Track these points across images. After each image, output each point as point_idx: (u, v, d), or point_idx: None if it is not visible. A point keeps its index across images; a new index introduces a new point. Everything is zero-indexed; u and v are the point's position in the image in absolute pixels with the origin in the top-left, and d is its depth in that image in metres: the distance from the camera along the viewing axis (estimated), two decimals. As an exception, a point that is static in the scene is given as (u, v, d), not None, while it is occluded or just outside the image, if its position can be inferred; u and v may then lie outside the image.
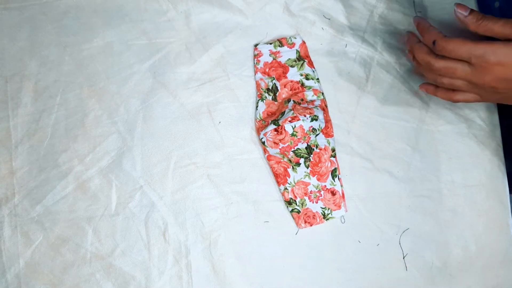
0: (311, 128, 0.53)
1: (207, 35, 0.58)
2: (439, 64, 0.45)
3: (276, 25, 0.58)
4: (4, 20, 0.57)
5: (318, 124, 0.54)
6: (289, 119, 0.52)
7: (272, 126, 0.53)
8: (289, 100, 0.55)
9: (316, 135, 0.54)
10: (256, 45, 0.58)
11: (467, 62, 0.43)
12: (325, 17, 0.59)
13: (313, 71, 0.57)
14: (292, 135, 0.53)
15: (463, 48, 0.42)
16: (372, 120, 0.56)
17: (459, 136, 0.56)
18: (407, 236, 0.54)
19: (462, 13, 0.44)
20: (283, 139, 0.53)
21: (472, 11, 0.43)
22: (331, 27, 0.59)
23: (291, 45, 0.57)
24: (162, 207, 0.53)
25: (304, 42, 0.58)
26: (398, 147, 0.56)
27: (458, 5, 0.44)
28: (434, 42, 0.44)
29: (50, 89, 0.56)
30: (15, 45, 0.56)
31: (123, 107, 0.56)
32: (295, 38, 0.57)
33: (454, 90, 0.47)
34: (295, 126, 0.52)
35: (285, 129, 0.53)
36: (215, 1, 0.58)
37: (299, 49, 0.57)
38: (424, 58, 0.46)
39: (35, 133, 0.54)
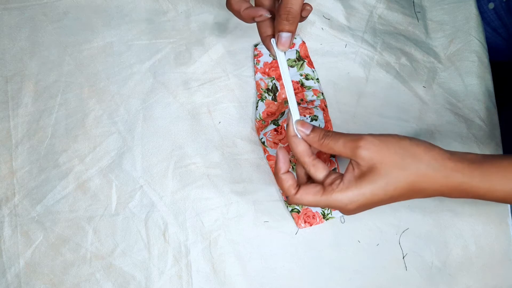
0: (311, 128, 0.53)
1: (207, 35, 0.58)
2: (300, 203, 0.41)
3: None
4: (4, 20, 0.57)
5: (318, 124, 0.54)
6: (289, 119, 0.52)
7: (272, 126, 0.53)
8: (289, 100, 0.56)
9: (316, 135, 0.54)
10: (256, 45, 0.58)
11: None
12: (325, 17, 0.59)
13: (313, 71, 0.57)
14: (292, 135, 0.53)
15: (318, 203, 0.40)
16: (372, 120, 0.57)
17: (458, 136, 0.56)
18: (406, 236, 0.54)
19: (304, 131, 0.41)
20: (283, 139, 0.53)
21: (314, 129, 0.41)
22: (331, 27, 0.59)
23: (291, 45, 0.57)
24: (162, 207, 0.54)
25: (304, 42, 0.58)
26: (397, 147, 0.56)
27: (298, 122, 0.41)
28: (287, 197, 0.42)
29: (50, 89, 0.56)
30: (15, 45, 0.56)
31: (123, 107, 0.56)
32: (295, 38, 0.57)
33: None
34: (295, 126, 0.52)
35: (285, 129, 0.53)
36: (215, 1, 0.58)
37: (299, 49, 0.58)
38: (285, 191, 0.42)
39: (36, 133, 0.54)
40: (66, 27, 0.57)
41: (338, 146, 0.39)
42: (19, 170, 0.54)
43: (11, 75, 0.56)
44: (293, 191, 0.41)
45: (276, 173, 0.42)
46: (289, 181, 0.41)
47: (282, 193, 0.54)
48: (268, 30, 0.43)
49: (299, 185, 0.41)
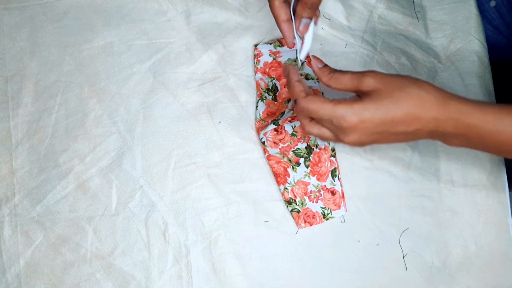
0: (311, 128, 0.53)
1: (207, 35, 0.58)
2: (311, 109, 0.43)
3: (276, 25, 0.58)
4: (4, 20, 0.57)
5: (318, 124, 0.54)
6: (289, 119, 0.52)
7: (272, 126, 0.53)
8: (289, 100, 0.56)
9: (316, 135, 0.54)
10: (256, 45, 0.58)
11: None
12: (325, 17, 0.59)
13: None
14: (292, 135, 0.53)
15: (323, 110, 0.41)
16: (372, 120, 0.56)
17: (458, 136, 0.56)
18: (406, 235, 0.54)
19: (317, 64, 0.45)
20: (283, 139, 0.53)
21: (325, 65, 0.45)
22: (331, 27, 0.59)
23: (291, 45, 0.57)
24: (162, 207, 0.54)
25: (304, 42, 0.58)
26: (397, 146, 0.56)
27: (314, 57, 0.45)
28: (295, 101, 0.44)
29: (50, 89, 0.56)
30: (15, 45, 0.56)
31: (123, 107, 0.56)
32: (294, 38, 0.57)
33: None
34: (295, 126, 0.53)
35: (285, 129, 0.53)
36: (215, 1, 0.58)
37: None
38: (299, 96, 0.45)
39: (36, 133, 0.54)
40: (66, 27, 0.57)
41: (345, 78, 0.42)
42: (19, 170, 0.54)
43: (11, 75, 0.56)
44: (303, 94, 0.43)
45: (289, 81, 0.45)
46: (300, 87, 0.44)
47: (282, 192, 0.54)
48: (283, 16, 0.47)
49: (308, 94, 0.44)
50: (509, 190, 0.57)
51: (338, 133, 0.42)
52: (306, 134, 0.53)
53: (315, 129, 0.44)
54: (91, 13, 0.58)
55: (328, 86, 0.44)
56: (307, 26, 0.47)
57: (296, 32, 0.47)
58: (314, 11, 0.46)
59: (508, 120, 0.39)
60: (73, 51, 0.57)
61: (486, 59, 0.58)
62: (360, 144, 0.42)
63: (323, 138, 0.45)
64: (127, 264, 0.52)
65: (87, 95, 0.56)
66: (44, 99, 0.55)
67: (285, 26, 0.47)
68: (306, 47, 0.47)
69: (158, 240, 0.53)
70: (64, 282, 0.52)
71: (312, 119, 0.44)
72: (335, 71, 0.43)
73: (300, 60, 0.49)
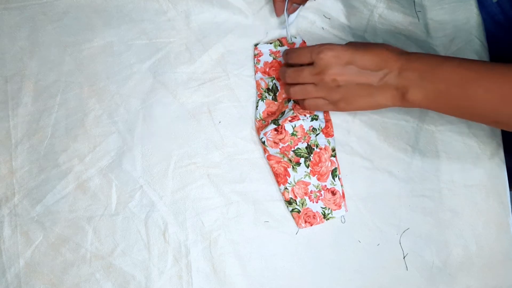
0: (311, 128, 0.53)
1: (207, 35, 0.58)
2: (290, 70, 0.51)
3: (276, 25, 0.58)
4: (4, 20, 0.57)
5: (318, 124, 0.54)
6: (289, 118, 0.52)
7: (272, 126, 0.53)
8: (289, 100, 0.56)
9: (316, 134, 0.54)
10: (256, 45, 0.58)
11: (311, 64, 0.48)
12: (325, 17, 0.59)
13: (313, 71, 0.57)
14: (292, 134, 0.53)
15: (304, 50, 0.49)
16: (372, 120, 0.56)
17: (459, 135, 0.56)
18: (407, 236, 0.54)
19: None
20: (283, 138, 0.53)
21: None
22: (331, 27, 0.59)
23: (291, 44, 0.57)
24: (162, 207, 0.53)
25: (304, 42, 0.58)
26: (398, 146, 0.56)
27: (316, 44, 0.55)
28: (286, 53, 0.52)
29: (50, 89, 0.56)
30: (15, 45, 0.56)
31: (123, 107, 0.56)
32: (295, 37, 0.57)
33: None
34: (295, 126, 0.52)
35: (285, 129, 0.53)
36: (215, 1, 0.58)
37: (299, 49, 0.58)
38: (281, 70, 0.53)
39: (35, 133, 0.54)
40: (66, 26, 0.57)
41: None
42: (19, 170, 0.54)
43: (11, 75, 0.56)
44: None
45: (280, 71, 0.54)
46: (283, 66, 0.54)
47: (282, 192, 0.54)
48: None
49: None
50: (510, 190, 0.57)
51: (318, 75, 0.48)
52: (304, 135, 0.53)
53: (297, 88, 0.51)
54: (91, 13, 0.58)
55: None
56: (294, 9, 0.56)
57: (286, 12, 0.55)
58: (305, 1, 0.55)
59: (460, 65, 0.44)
60: (73, 51, 0.57)
61: (487, 59, 0.58)
62: (335, 81, 0.47)
63: (307, 93, 0.50)
64: (127, 264, 0.52)
65: (87, 95, 0.56)
66: (44, 99, 0.55)
67: (278, 5, 0.55)
68: (289, 22, 0.56)
69: (158, 240, 0.53)
70: (64, 282, 0.52)
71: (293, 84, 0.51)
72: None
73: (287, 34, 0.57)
